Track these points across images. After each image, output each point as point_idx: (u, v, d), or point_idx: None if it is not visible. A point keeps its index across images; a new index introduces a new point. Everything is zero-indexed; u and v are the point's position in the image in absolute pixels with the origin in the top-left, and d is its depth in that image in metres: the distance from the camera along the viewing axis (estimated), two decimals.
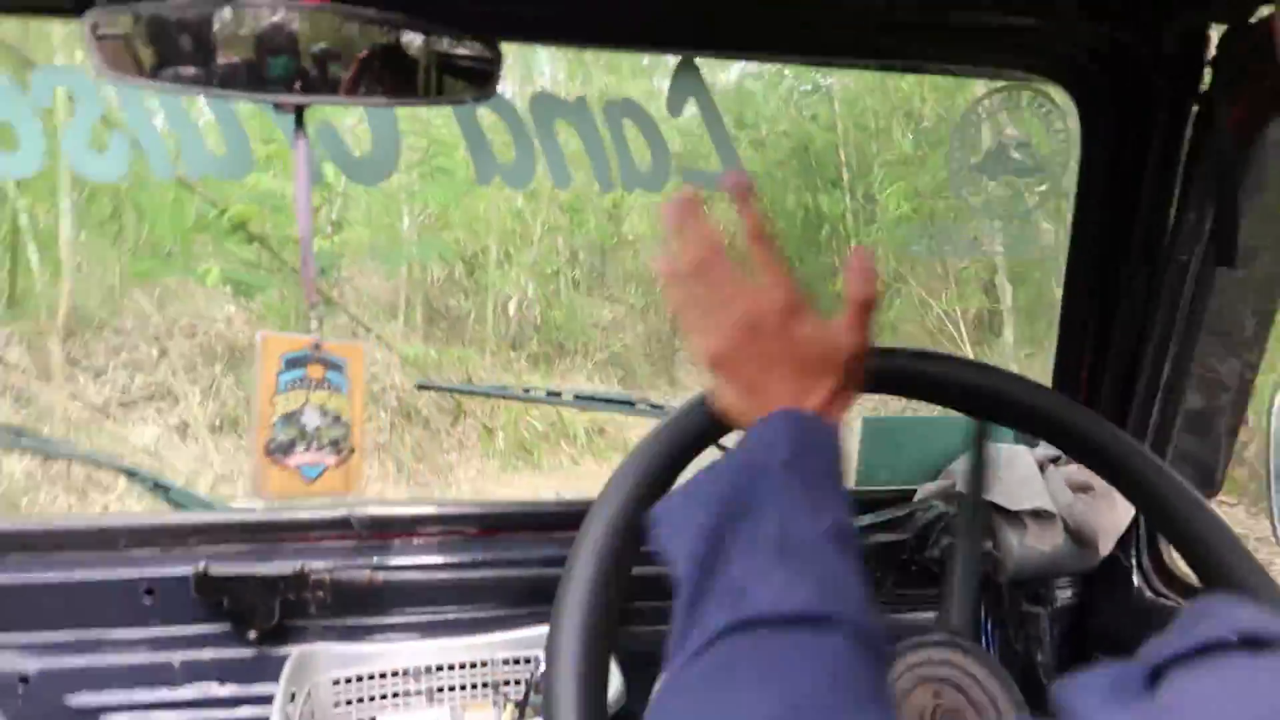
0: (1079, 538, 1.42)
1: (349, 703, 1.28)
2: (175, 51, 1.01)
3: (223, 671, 1.29)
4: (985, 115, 1.38)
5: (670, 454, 0.91)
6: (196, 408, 7.26)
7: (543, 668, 1.21)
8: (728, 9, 1.24)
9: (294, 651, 1.26)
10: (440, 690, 1.31)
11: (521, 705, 1.27)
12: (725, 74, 11.37)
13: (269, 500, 1.36)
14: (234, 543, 1.33)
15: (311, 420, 1.27)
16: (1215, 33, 1.22)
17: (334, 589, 1.30)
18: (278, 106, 1.11)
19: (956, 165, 1.39)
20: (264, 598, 1.28)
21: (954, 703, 0.99)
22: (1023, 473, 1.42)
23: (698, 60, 1.28)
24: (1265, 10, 1.14)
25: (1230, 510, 5.42)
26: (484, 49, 1.09)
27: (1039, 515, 1.40)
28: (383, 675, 1.30)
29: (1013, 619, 1.49)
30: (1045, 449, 1.47)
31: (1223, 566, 0.93)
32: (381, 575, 1.33)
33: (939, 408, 1.01)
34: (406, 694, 1.30)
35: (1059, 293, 1.50)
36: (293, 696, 1.21)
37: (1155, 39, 1.25)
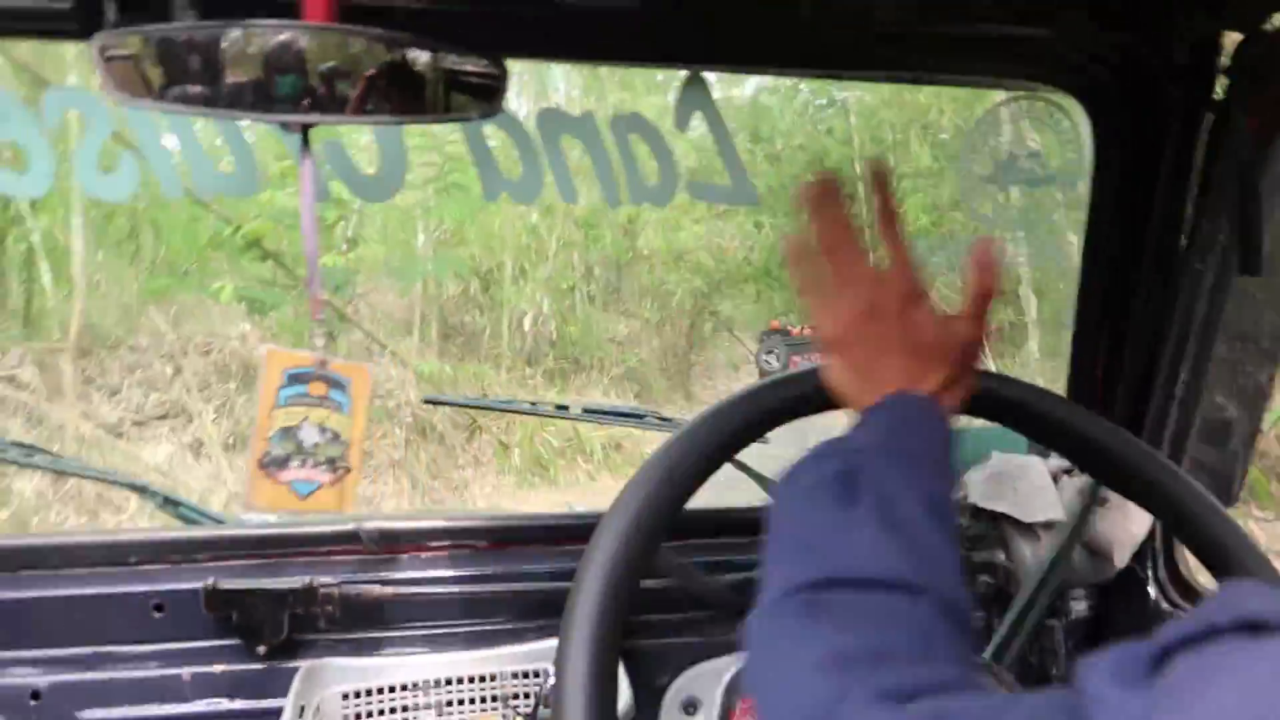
0: (1094, 549, 1.41)
1: (358, 717, 1.29)
2: (183, 72, 1.02)
3: (232, 686, 1.29)
4: (996, 125, 1.38)
5: (682, 467, 0.91)
6: (210, 425, 7.31)
7: (552, 681, 1.22)
8: (734, 22, 1.24)
9: (303, 666, 1.27)
10: (449, 704, 1.31)
11: (531, 718, 1.28)
12: (740, 89, 11.42)
13: (257, 512, 1.37)
14: (243, 558, 1.34)
15: (309, 437, 1.28)
16: (1229, 40, 1.22)
17: (343, 603, 1.30)
18: (285, 126, 1.12)
19: (967, 175, 1.39)
20: (273, 612, 1.28)
21: None
22: (1035, 483, 1.42)
23: (710, 76, 1.28)
24: None
25: (1272, 525, 5.38)
26: (490, 66, 1.10)
27: (1052, 527, 1.40)
28: (391, 689, 1.30)
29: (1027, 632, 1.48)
30: (1058, 460, 1.47)
31: (1243, 573, 0.94)
32: (390, 589, 1.33)
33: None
34: (415, 707, 1.30)
35: None
36: (302, 710, 1.22)
37: (1167, 48, 1.25)
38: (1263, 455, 5.60)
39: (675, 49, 1.28)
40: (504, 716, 1.32)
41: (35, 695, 1.25)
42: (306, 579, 1.29)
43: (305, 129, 1.13)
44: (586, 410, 1.68)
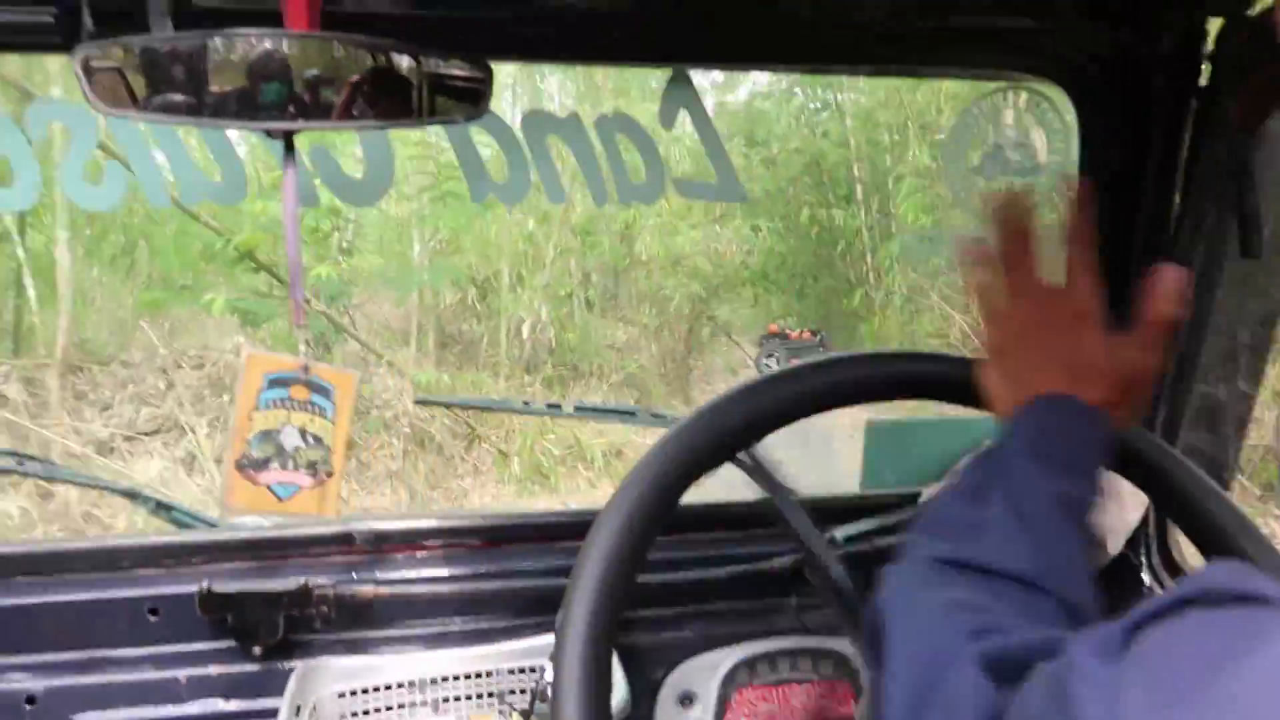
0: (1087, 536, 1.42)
1: (354, 715, 1.30)
2: (167, 82, 1.02)
3: (228, 687, 1.30)
4: (982, 116, 1.40)
5: (677, 463, 0.93)
6: (203, 440, 7.30)
7: (548, 677, 1.24)
8: (725, 20, 1.25)
9: (299, 666, 1.28)
10: (445, 701, 1.32)
11: (527, 714, 1.29)
12: (735, 94, 11.45)
13: (234, 514, 1.39)
14: (237, 560, 1.35)
15: (290, 440, 1.29)
16: (1213, 28, 1.23)
17: (338, 603, 1.31)
18: (270, 133, 1.14)
19: (952, 166, 1.40)
20: (268, 614, 1.29)
21: None
22: None
23: (705, 82, 1.30)
24: (1264, 2, 1.16)
25: None
26: (475, 69, 1.11)
27: None
28: (388, 687, 1.31)
29: None
30: None
31: (1243, 556, 0.95)
32: (385, 589, 1.34)
33: (942, 408, 1.05)
34: (412, 705, 1.31)
35: None
36: (298, 710, 1.23)
37: (1153, 36, 1.26)
38: None
39: (666, 48, 1.29)
40: (500, 713, 1.33)
41: (30, 700, 1.26)
42: (301, 580, 1.30)
43: (289, 136, 1.15)
44: (579, 408, 1.69)
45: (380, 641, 1.36)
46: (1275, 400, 5.43)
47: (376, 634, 1.36)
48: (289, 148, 1.16)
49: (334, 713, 1.29)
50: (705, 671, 1.39)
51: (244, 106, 1.03)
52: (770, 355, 11.41)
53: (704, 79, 1.22)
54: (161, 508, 1.50)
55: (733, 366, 12.43)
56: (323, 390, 1.31)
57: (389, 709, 1.31)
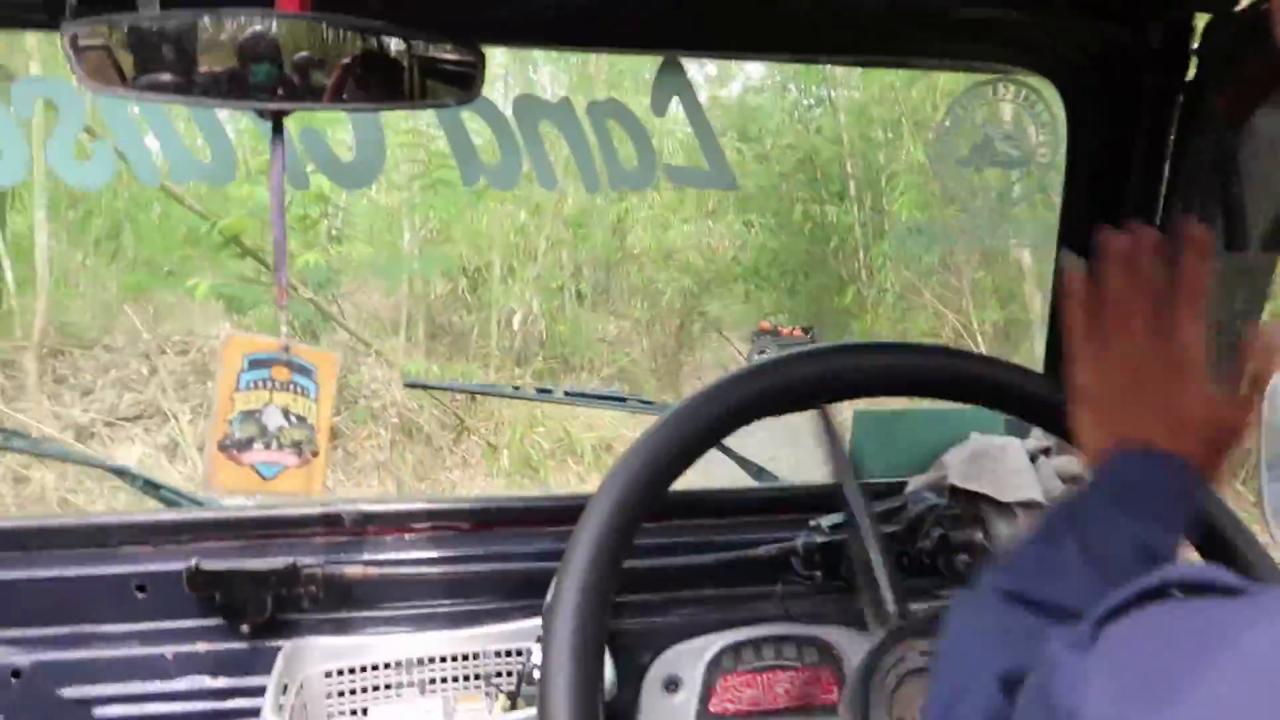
0: None
1: (341, 694, 1.32)
2: (156, 61, 1.03)
3: (215, 664, 1.31)
4: (972, 108, 1.42)
5: (669, 449, 0.94)
6: (186, 427, 7.27)
7: (535, 660, 1.25)
8: (714, 8, 1.27)
9: (286, 645, 1.29)
10: (432, 682, 1.34)
11: (513, 697, 1.30)
12: (728, 89, 11.46)
13: (219, 494, 1.40)
14: (225, 539, 1.36)
15: (273, 420, 1.30)
16: (1200, 22, 1.25)
17: (326, 583, 1.33)
18: (261, 113, 1.15)
19: (942, 158, 1.42)
20: (256, 592, 1.30)
21: None
22: (1013, 464, 1.46)
23: (698, 76, 1.31)
24: None
25: None
26: (466, 52, 1.12)
27: (1030, 506, 1.42)
28: (375, 667, 1.33)
29: None
30: (1036, 440, 1.50)
31: (1226, 547, 0.97)
32: (373, 570, 1.36)
33: (928, 401, 1.07)
34: (399, 686, 1.33)
35: None
36: (285, 688, 1.24)
37: (1141, 30, 1.28)
38: None
39: (658, 35, 1.30)
40: (487, 695, 1.35)
41: (16, 674, 1.27)
42: (289, 560, 1.31)
43: (278, 116, 1.16)
44: (568, 393, 1.72)
45: (367, 622, 1.37)
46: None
47: (364, 614, 1.37)
48: (277, 128, 1.17)
49: (320, 692, 1.31)
50: (691, 656, 1.40)
51: (234, 87, 1.04)
52: (762, 352, 11.42)
53: (697, 72, 1.23)
54: (150, 486, 1.51)
55: (723, 363, 12.44)
56: (304, 370, 1.32)
57: (376, 689, 1.33)
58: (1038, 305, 9.25)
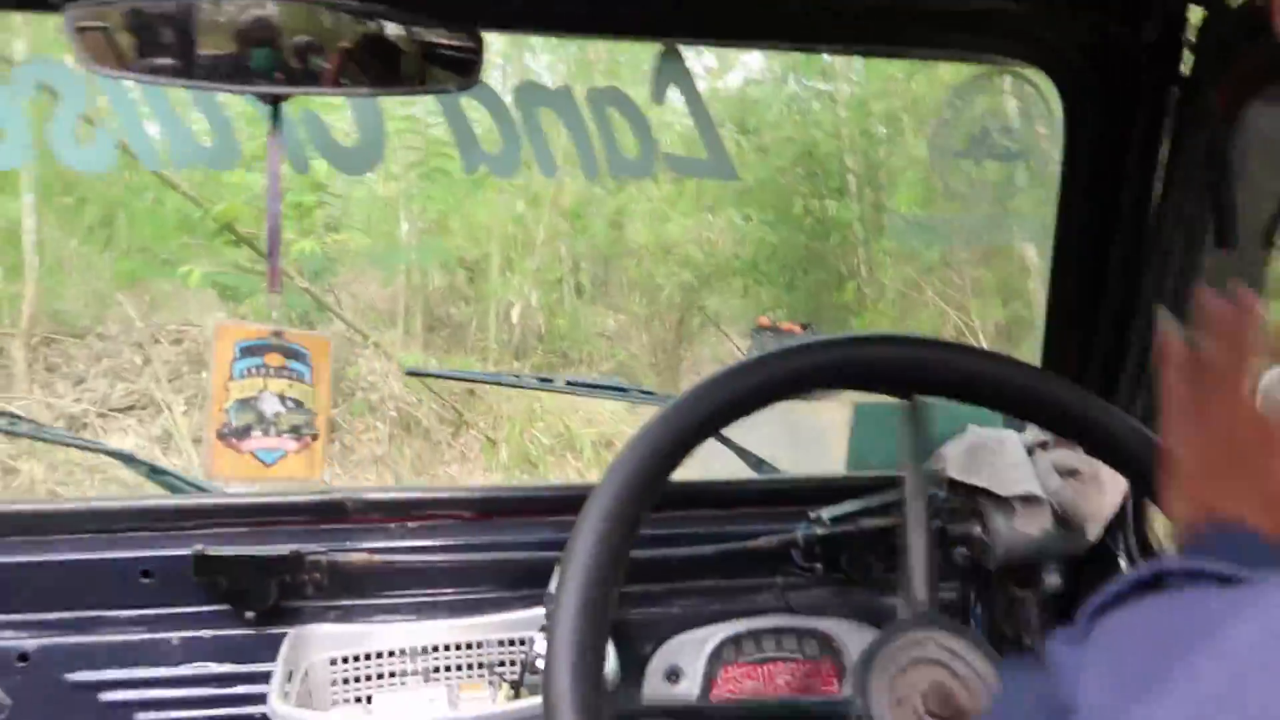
0: (1067, 522, 1.46)
1: (345, 681, 1.34)
2: (157, 44, 1.06)
3: (220, 651, 1.34)
4: (969, 100, 1.44)
5: (674, 439, 0.95)
6: (180, 418, 7.22)
7: (538, 649, 1.27)
8: None
9: (291, 631, 1.31)
10: (436, 670, 1.36)
11: (516, 686, 1.33)
12: (726, 80, 11.44)
13: (220, 482, 1.42)
14: (230, 525, 1.38)
15: (270, 406, 1.32)
16: (1196, 17, 1.27)
17: (330, 571, 1.35)
18: (261, 97, 1.17)
19: (939, 151, 1.44)
20: (261, 579, 1.33)
21: (944, 682, 1.00)
22: (1011, 458, 1.47)
23: (698, 68, 1.33)
24: None
25: None
26: (466, 39, 1.14)
27: (1027, 500, 1.44)
28: (379, 655, 1.35)
29: (1001, 603, 1.53)
30: (1034, 434, 1.52)
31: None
32: (377, 557, 1.38)
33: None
34: (403, 674, 1.35)
35: None
36: (290, 675, 1.26)
37: (1136, 24, 1.30)
38: None
39: (653, 22, 1.32)
40: (490, 683, 1.37)
41: (23, 657, 1.29)
42: (294, 547, 1.33)
43: (277, 101, 1.18)
44: (570, 382, 1.74)
45: (370, 609, 1.39)
46: None
47: (367, 602, 1.39)
48: (276, 114, 1.19)
49: (325, 679, 1.33)
50: (692, 647, 1.43)
51: (234, 71, 1.06)
52: (762, 348, 11.31)
53: (696, 64, 1.24)
54: (155, 472, 1.53)
55: (721, 358, 12.43)
56: (298, 355, 1.34)
57: (380, 677, 1.35)
58: (1041, 301, 9.21)
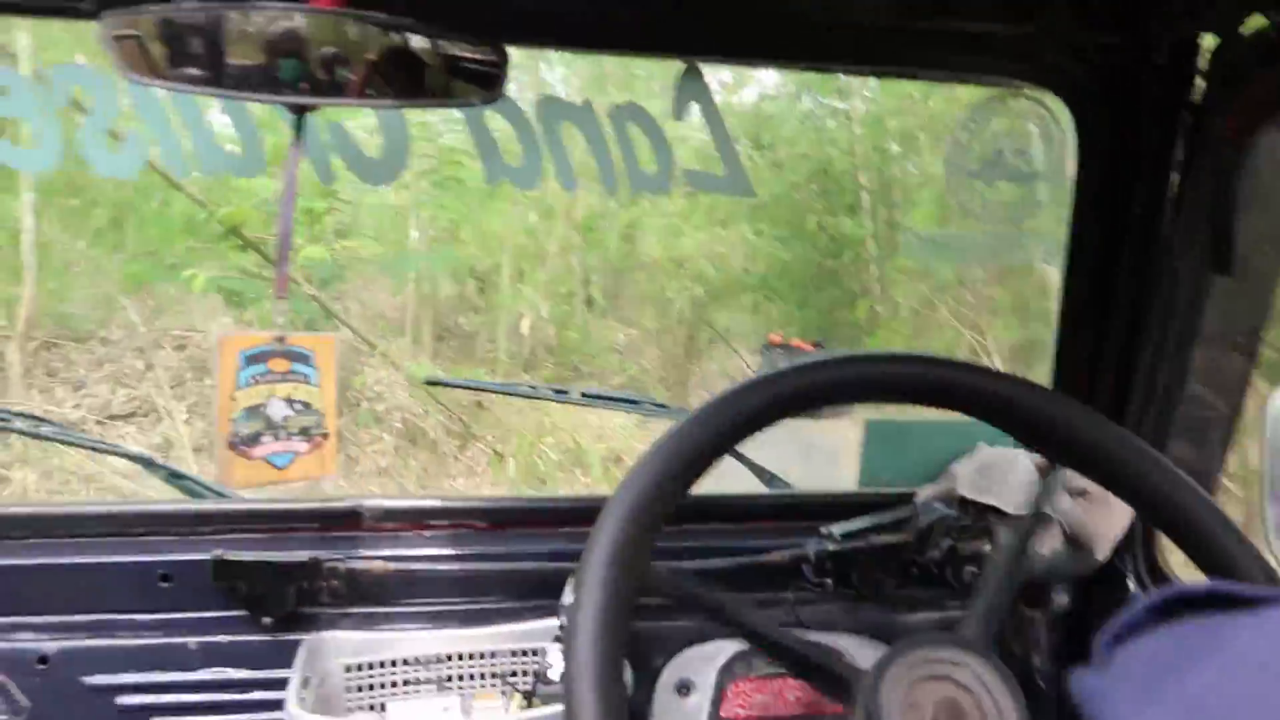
0: (1076, 542, 1.48)
1: (360, 689, 1.37)
2: (189, 53, 1.09)
3: (237, 656, 1.36)
4: (983, 121, 1.47)
5: (689, 452, 0.98)
6: (182, 425, 7.20)
7: (550, 659, 1.30)
8: (729, 16, 1.32)
9: (307, 638, 1.35)
10: (449, 679, 1.39)
11: (529, 695, 1.35)
12: (740, 96, 11.47)
13: (235, 490, 1.45)
14: (248, 531, 1.41)
15: (278, 412, 1.35)
16: (1207, 43, 1.30)
17: (347, 578, 1.38)
18: (290, 107, 1.20)
19: (953, 173, 1.47)
20: (279, 585, 1.36)
21: (956, 699, 1.00)
22: (1022, 476, 1.49)
23: (714, 82, 1.37)
24: (1258, 21, 1.22)
25: None
26: (491, 52, 1.16)
27: (1038, 519, 1.45)
28: (394, 663, 1.38)
29: (1010, 623, 1.55)
30: None
31: (1225, 557, 0.99)
32: (392, 565, 1.41)
33: (941, 411, 1.09)
34: (417, 682, 1.38)
35: None
36: (306, 681, 1.29)
37: (1147, 48, 1.34)
38: None
39: (673, 40, 1.36)
40: (503, 693, 1.40)
41: (43, 660, 1.32)
42: (312, 554, 1.37)
43: (302, 111, 1.21)
44: (585, 395, 1.77)
45: (385, 618, 1.42)
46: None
47: (381, 610, 1.42)
48: (299, 125, 1.22)
49: (340, 686, 1.36)
50: (703, 661, 1.45)
51: (263, 81, 1.09)
52: (772, 365, 11.28)
53: (712, 79, 1.26)
54: (174, 476, 1.56)
55: (730, 375, 12.40)
56: (302, 358, 1.36)
57: (394, 685, 1.38)
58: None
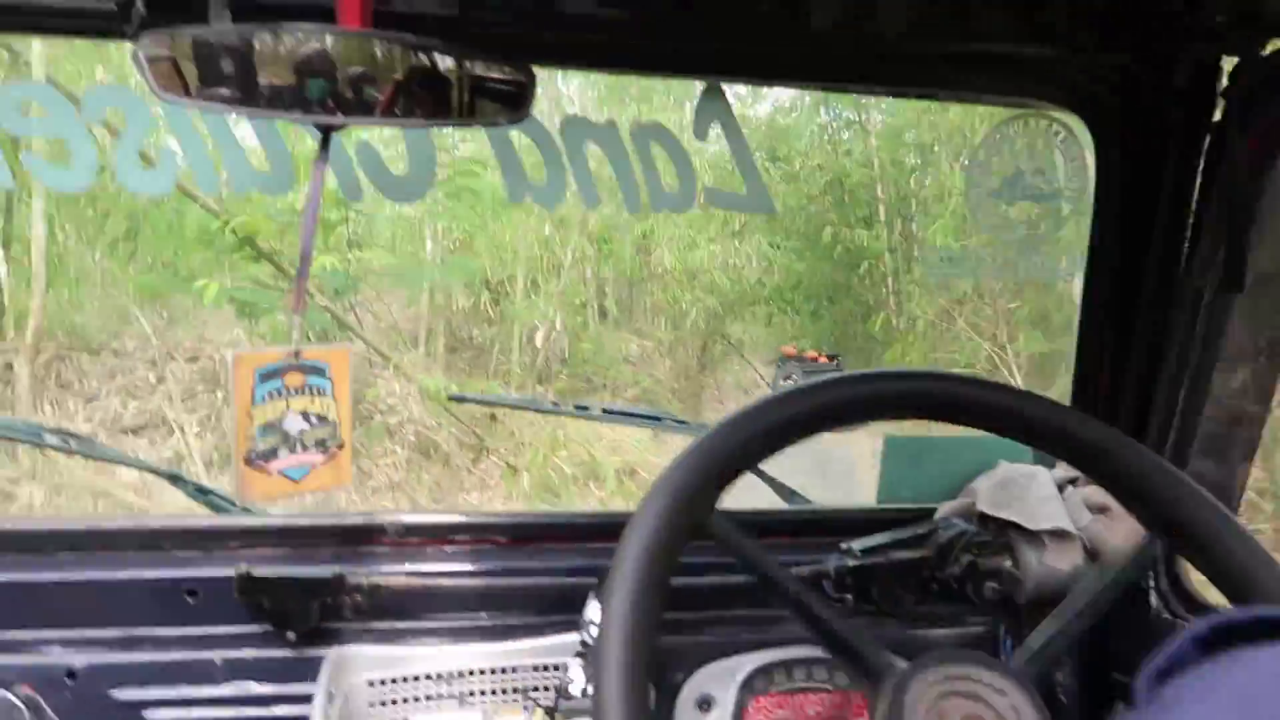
0: (1097, 558, 1.49)
1: (383, 704, 1.38)
2: (220, 73, 1.12)
3: (262, 671, 1.38)
4: (1004, 141, 1.49)
5: (710, 468, 1.00)
6: (193, 439, 7.20)
7: (571, 675, 1.32)
8: (749, 37, 1.34)
9: (331, 653, 1.36)
10: (471, 694, 1.41)
11: (551, 711, 1.37)
12: (756, 109, 11.50)
13: (254, 503, 1.47)
14: (273, 546, 1.44)
15: (294, 426, 1.37)
16: (1227, 64, 1.32)
17: (370, 593, 1.40)
18: (319, 126, 1.22)
19: (975, 191, 1.49)
20: (303, 600, 1.37)
21: (980, 716, 1.00)
22: (1042, 492, 1.51)
23: (730, 94, 1.39)
24: (1277, 43, 1.24)
25: None
26: (517, 73, 1.19)
27: (1058, 535, 1.48)
28: (416, 678, 1.39)
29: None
30: (1064, 469, 1.56)
31: (1251, 580, 1.01)
32: (416, 581, 1.43)
33: (959, 427, 1.12)
34: (439, 697, 1.40)
35: None
36: (330, 696, 1.31)
37: (1168, 70, 1.35)
38: None
39: (694, 61, 1.39)
40: (525, 708, 1.41)
41: (71, 674, 1.34)
42: (335, 569, 1.39)
43: (328, 131, 1.24)
44: (605, 410, 1.78)
45: (407, 633, 1.44)
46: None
47: (404, 625, 1.44)
48: (325, 143, 1.25)
49: (364, 701, 1.37)
50: (724, 676, 1.46)
51: (292, 100, 1.11)
52: (788, 377, 11.26)
53: (728, 91, 1.29)
54: (200, 492, 1.59)
55: (744, 387, 12.40)
56: (317, 371, 1.38)
57: (416, 699, 1.40)
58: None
